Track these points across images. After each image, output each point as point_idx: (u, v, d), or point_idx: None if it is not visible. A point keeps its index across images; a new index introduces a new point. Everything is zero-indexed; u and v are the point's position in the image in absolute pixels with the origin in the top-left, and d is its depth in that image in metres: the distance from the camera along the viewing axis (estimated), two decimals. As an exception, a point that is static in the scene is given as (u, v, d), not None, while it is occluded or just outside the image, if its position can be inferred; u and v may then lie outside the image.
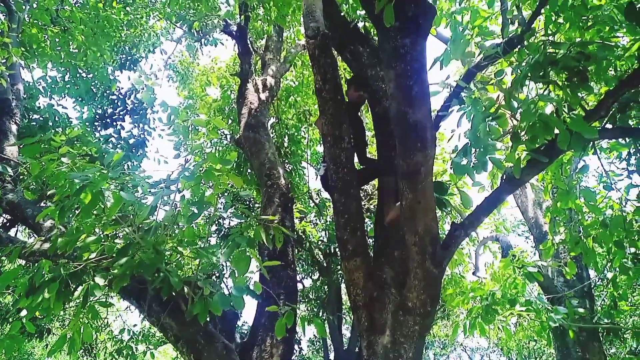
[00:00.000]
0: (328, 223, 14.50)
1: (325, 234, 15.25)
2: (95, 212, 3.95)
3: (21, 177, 6.69)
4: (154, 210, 3.26)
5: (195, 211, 3.25)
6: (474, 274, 9.72)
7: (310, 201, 15.87)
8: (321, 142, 8.14)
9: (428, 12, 3.00)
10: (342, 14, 5.56)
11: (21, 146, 6.71)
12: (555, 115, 3.69)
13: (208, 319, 5.67)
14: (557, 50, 3.64)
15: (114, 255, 3.43)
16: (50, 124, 10.03)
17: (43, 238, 5.16)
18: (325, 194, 13.51)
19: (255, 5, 8.21)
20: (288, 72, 12.04)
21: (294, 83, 13.75)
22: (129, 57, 11.34)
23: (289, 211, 6.39)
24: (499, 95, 4.07)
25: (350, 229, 4.25)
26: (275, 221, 6.08)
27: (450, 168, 3.76)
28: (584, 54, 3.80)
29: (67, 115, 10.14)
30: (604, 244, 4.44)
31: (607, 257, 4.95)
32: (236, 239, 3.08)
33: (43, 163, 3.82)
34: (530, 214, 9.95)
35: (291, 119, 13.74)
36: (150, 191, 4.13)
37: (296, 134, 13.78)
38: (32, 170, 3.75)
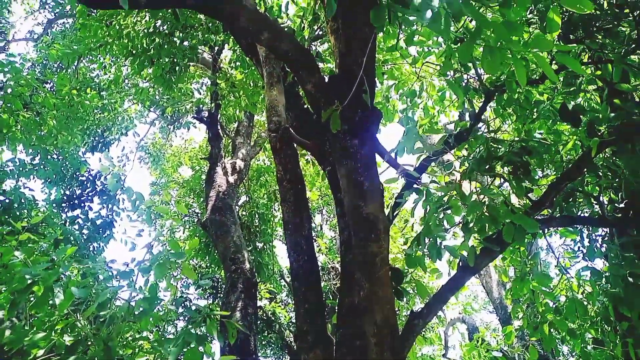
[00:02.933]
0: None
1: (297, 314, 14.87)
2: (50, 301, 3.88)
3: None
4: (106, 304, 3.22)
5: (148, 306, 3.23)
6: (444, 356, 9.57)
7: (282, 280, 15.64)
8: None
9: (374, 116, 3.23)
10: (305, 106, 5.85)
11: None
12: (505, 204, 3.88)
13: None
14: (498, 147, 3.89)
15: (63, 352, 3.33)
16: (16, 205, 9.89)
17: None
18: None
19: (226, 94, 8.56)
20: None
21: (265, 163, 14.04)
22: (101, 140, 11.49)
23: (253, 297, 6.33)
24: (451, 182, 4.27)
25: (310, 319, 4.24)
26: (238, 308, 6.05)
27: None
28: (526, 149, 4.08)
29: (33, 197, 10.05)
30: (560, 331, 4.50)
31: (567, 342, 4.99)
32: (185, 337, 3.06)
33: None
34: (495, 295, 10.00)
35: (262, 197, 13.88)
36: (112, 277, 4.08)
37: (267, 212, 13.86)
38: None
